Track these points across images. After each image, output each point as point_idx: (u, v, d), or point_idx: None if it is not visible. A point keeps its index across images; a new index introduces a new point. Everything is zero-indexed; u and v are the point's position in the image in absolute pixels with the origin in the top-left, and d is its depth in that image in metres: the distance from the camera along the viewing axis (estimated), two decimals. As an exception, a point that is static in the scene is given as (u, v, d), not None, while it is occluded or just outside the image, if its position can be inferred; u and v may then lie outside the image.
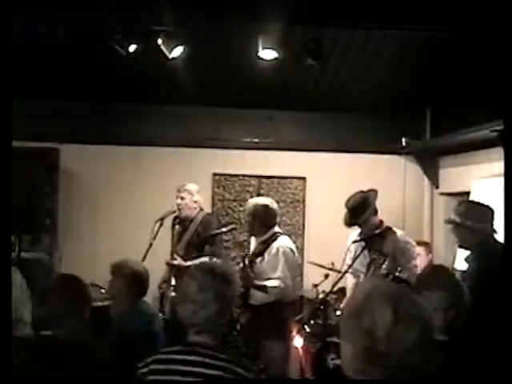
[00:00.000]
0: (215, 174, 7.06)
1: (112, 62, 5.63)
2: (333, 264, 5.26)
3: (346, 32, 5.61)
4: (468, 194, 5.60)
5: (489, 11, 4.30)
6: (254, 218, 4.76)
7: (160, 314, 4.28)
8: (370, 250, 4.53)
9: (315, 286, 5.51)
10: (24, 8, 4.25)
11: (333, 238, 5.69)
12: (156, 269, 4.63)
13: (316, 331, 5.14)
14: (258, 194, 6.84)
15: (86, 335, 2.69)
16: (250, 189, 7.11)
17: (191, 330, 2.43)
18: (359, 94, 6.47)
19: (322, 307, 5.11)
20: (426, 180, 7.09)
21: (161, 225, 5.04)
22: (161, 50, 5.18)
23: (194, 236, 5.29)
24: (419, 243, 5.69)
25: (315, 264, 5.67)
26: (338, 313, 5.20)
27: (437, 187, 6.98)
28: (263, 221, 4.75)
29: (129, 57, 5.23)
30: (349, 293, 4.94)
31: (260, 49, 5.17)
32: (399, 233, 4.60)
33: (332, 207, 5.92)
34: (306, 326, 5.15)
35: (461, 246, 3.84)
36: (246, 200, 5.66)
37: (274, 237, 4.73)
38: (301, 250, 6.80)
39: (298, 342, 4.82)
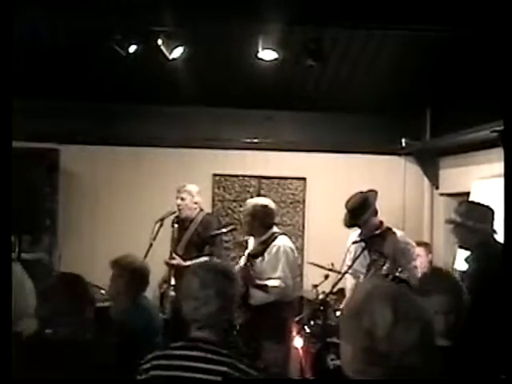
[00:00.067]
0: (215, 175, 7.05)
1: (112, 62, 5.62)
2: (333, 265, 5.26)
3: (346, 32, 5.60)
4: (468, 194, 5.59)
5: (489, 11, 4.30)
6: (253, 219, 4.76)
7: (160, 314, 4.28)
8: (370, 251, 4.53)
9: (315, 286, 5.51)
10: (24, 8, 4.25)
11: (333, 238, 5.69)
12: (156, 269, 4.62)
13: (316, 332, 5.14)
14: (258, 195, 6.83)
15: (87, 334, 2.69)
16: (250, 189, 7.11)
17: (193, 325, 2.43)
18: (359, 94, 6.46)
19: (321, 308, 5.13)
20: (425, 180, 7.08)
21: (161, 225, 5.06)
22: (161, 51, 5.18)
23: (194, 236, 5.30)
24: (419, 244, 5.69)
25: (315, 265, 5.67)
26: (338, 313, 5.20)
27: (437, 188, 6.97)
28: (262, 221, 4.75)
29: (129, 57, 5.22)
30: (348, 293, 4.94)
31: (260, 49, 5.16)
32: (399, 233, 4.60)
33: (332, 208, 5.92)
34: (305, 327, 5.15)
35: (461, 247, 3.84)
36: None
37: (273, 237, 4.74)
38: (301, 250, 6.80)
39: (297, 342, 4.84)
